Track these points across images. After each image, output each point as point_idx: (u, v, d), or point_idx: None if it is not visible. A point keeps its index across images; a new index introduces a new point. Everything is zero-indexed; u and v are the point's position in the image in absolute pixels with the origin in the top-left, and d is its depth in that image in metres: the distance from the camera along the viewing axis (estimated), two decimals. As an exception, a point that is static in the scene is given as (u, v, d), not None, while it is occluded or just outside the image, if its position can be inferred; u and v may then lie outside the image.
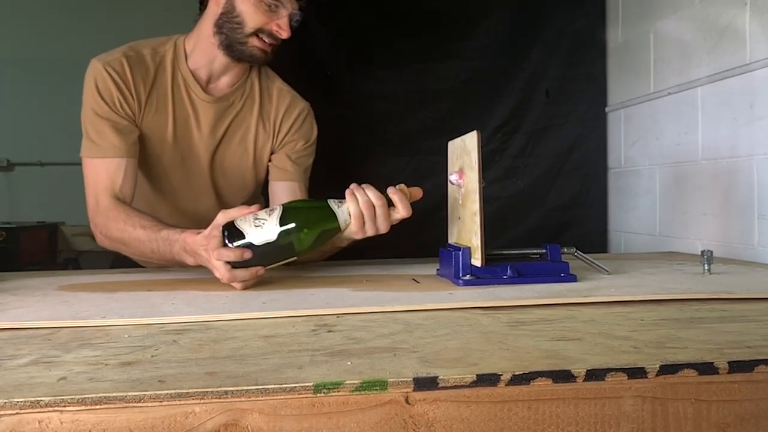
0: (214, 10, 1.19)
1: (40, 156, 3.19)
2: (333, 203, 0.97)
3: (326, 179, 1.87)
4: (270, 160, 1.35)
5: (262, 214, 0.94)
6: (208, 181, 1.32)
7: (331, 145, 1.86)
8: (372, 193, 0.96)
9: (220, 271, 0.92)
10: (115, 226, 1.12)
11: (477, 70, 1.91)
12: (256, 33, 1.17)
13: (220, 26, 1.18)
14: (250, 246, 0.92)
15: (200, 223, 1.19)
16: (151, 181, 1.29)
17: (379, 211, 0.96)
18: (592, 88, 1.93)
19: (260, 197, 1.47)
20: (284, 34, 1.17)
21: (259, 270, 0.93)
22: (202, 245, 0.95)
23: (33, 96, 3.13)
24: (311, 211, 0.98)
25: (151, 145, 1.24)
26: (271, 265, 0.97)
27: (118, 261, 1.39)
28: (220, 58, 1.23)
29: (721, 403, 0.52)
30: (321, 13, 1.87)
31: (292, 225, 0.93)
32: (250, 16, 1.16)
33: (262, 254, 0.93)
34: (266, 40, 1.18)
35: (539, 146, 1.94)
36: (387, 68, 1.89)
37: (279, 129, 1.33)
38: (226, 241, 0.92)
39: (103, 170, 1.15)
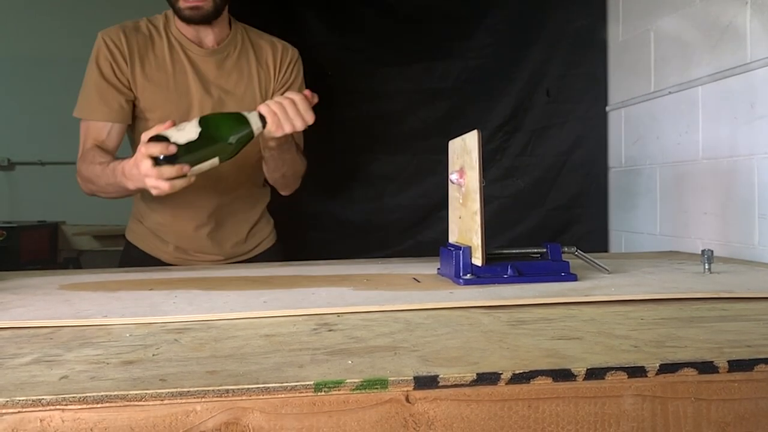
0: None
1: (40, 155, 3.19)
2: (245, 112, 1.11)
3: (327, 179, 1.89)
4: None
5: (184, 123, 1.06)
6: None
7: (332, 144, 1.86)
8: (279, 97, 1.13)
9: (147, 169, 1.02)
10: (85, 166, 1.26)
11: (477, 70, 1.91)
12: None
13: None
14: (175, 145, 1.02)
15: (212, 177, 1.28)
16: None
17: (288, 106, 1.12)
18: (593, 87, 1.93)
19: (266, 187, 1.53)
20: None
21: (184, 167, 1.03)
22: (134, 162, 1.07)
23: (33, 96, 3.13)
24: (228, 116, 1.12)
25: (157, 105, 1.32)
26: (196, 166, 1.06)
27: (126, 255, 1.47)
28: (184, 24, 1.34)
29: (720, 402, 0.52)
30: (321, 12, 1.87)
31: (209, 128, 1.05)
32: None
33: (186, 152, 1.03)
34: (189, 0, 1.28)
35: (540, 145, 1.94)
36: (387, 68, 1.89)
37: (277, 72, 1.43)
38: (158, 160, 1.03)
39: (93, 129, 1.30)
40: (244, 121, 1.10)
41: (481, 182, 0.93)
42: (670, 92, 1.60)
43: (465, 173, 1.00)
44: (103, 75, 1.29)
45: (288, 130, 1.13)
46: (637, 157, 1.79)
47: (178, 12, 1.30)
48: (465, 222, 1.00)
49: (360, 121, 1.89)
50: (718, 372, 0.52)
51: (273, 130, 1.12)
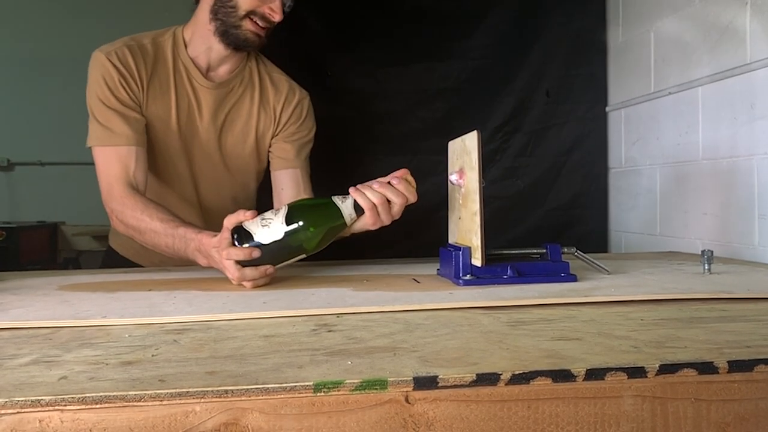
0: None
1: (40, 156, 3.19)
2: (337, 199, 0.99)
3: (327, 179, 1.88)
4: (270, 149, 1.37)
5: (269, 214, 0.97)
6: (211, 168, 1.34)
7: (332, 145, 1.86)
8: (379, 186, 0.98)
9: (230, 270, 0.94)
10: (131, 214, 1.13)
11: (477, 70, 1.91)
12: (249, 16, 1.20)
13: (215, 12, 1.21)
14: (258, 246, 0.94)
15: (204, 212, 1.25)
16: (156, 169, 1.30)
17: (395, 201, 0.99)
18: (593, 87, 1.93)
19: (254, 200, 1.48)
20: (277, 17, 1.20)
21: (269, 269, 0.95)
22: (215, 246, 0.97)
23: (33, 96, 3.13)
24: (316, 208, 1.00)
25: (156, 133, 1.26)
26: (281, 264, 0.99)
27: (108, 259, 1.41)
28: (217, 46, 1.25)
29: (720, 402, 0.52)
30: (321, 12, 1.87)
31: (299, 224, 0.96)
32: (244, 0, 1.19)
33: (270, 253, 0.95)
34: (259, 23, 1.21)
35: (539, 146, 1.94)
36: (387, 68, 1.89)
37: (280, 115, 1.36)
38: (236, 243, 0.95)
39: (115, 158, 1.17)
40: (337, 213, 0.98)
41: (480, 183, 0.93)
42: (670, 93, 1.60)
43: (465, 174, 1.00)
44: (117, 96, 1.19)
45: (386, 222, 1.00)
46: (637, 158, 1.79)
47: (233, 33, 1.21)
48: (465, 223, 1.00)
49: (360, 121, 1.89)
50: (717, 373, 0.52)
51: (369, 224, 0.99)
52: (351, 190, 0.99)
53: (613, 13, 1.90)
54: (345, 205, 0.99)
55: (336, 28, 1.88)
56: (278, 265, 0.98)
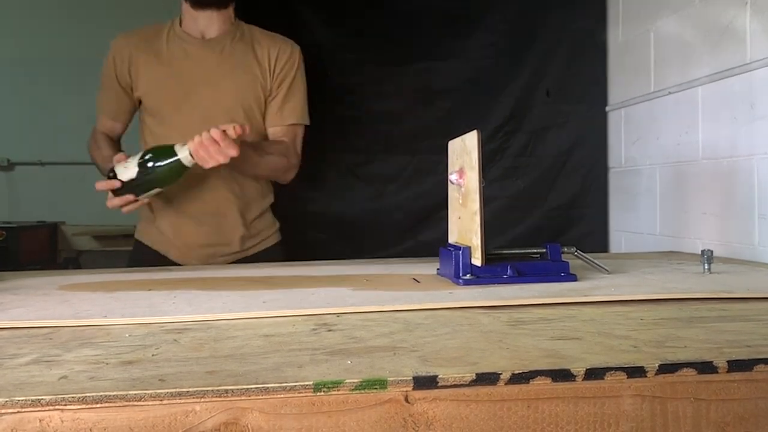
0: None
1: (40, 156, 3.18)
2: (178, 146, 1.24)
3: (327, 179, 1.89)
4: (266, 101, 1.47)
5: (132, 157, 1.26)
6: (211, 114, 1.40)
7: (332, 144, 1.86)
8: (205, 134, 1.20)
9: (108, 201, 1.28)
10: (92, 144, 1.48)
11: (477, 70, 1.91)
12: None
13: None
14: (121, 181, 1.24)
15: (207, 182, 1.43)
16: (162, 123, 1.44)
17: (210, 144, 1.20)
18: (593, 87, 1.93)
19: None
20: None
21: (129, 197, 1.26)
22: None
23: (33, 96, 3.13)
24: (161, 152, 1.25)
25: (155, 94, 1.42)
26: (142, 195, 1.27)
27: (136, 253, 1.54)
28: (196, 13, 1.42)
29: (720, 402, 0.52)
30: (321, 12, 1.87)
31: (147, 165, 1.24)
32: None
33: (130, 188, 1.25)
34: None
35: (539, 146, 1.94)
36: (387, 67, 1.89)
37: (273, 66, 1.46)
38: (108, 178, 1.25)
39: (99, 121, 1.51)
40: (175, 158, 1.23)
41: (480, 182, 0.93)
42: (670, 92, 1.60)
43: (465, 173, 1.00)
44: (109, 76, 1.44)
45: (213, 164, 1.22)
46: (637, 158, 1.79)
47: None
48: (465, 222, 1.00)
49: (360, 121, 1.89)
50: (717, 372, 0.52)
51: (201, 164, 1.23)
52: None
53: (613, 13, 1.90)
54: (182, 150, 1.23)
55: (336, 27, 1.88)
56: (139, 196, 1.27)
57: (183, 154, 1.23)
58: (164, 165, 1.24)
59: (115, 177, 1.25)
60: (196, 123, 1.37)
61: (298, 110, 1.48)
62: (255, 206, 1.51)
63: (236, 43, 1.44)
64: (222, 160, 1.22)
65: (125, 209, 1.28)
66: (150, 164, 1.24)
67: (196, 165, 1.24)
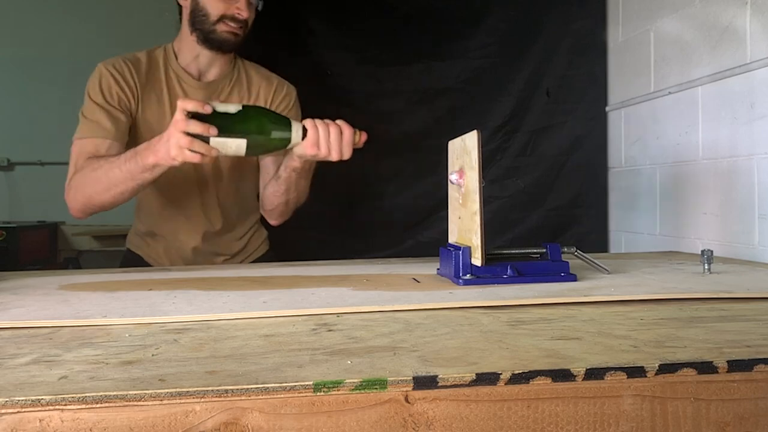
0: (185, 12, 1.35)
1: (40, 156, 3.18)
2: (292, 119, 1.11)
3: (327, 179, 1.89)
4: None
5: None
6: (204, 166, 1.37)
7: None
8: (328, 120, 1.10)
9: (177, 117, 1.02)
10: (89, 169, 1.20)
11: (477, 70, 1.91)
12: (221, 20, 1.30)
13: (193, 23, 1.33)
14: (213, 110, 1.02)
15: (205, 206, 1.35)
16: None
17: (332, 131, 1.09)
18: (593, 87, 1.93)
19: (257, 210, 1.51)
20: (244, 14, 1.30)
21: (212, 128, 1.01)
22: (162, 137, 1.07)
23: (33, 96, 3.13)
24: (271, 112, 1.11)
25: (154, 134, 1.28)
26: (222, 138, 1.03)
27: (126, 261, 1.49)
28: (203, 52, 1.35)
29: (720, 402, 0.52)
30: (321, 12, 1.87)
31: (251, 112, 1.07)
32: (212, 6, 1.30)
33: (217, 120, 1.02)
34: (231, 24, 1.31)
35: (539, 146, 1.94)
36: (387, 67, 1.89)
37: (268, 105, 1.42)
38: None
39: (91, 146, 1.25)
40: (286, 124, 1.09)
41: (480, 182, 0.93)
42: (670, 92, 1.60)
43: (465, 173, 1.00)
44: (107, 99, 1.28)
45: (323, 154, 1.10)
46: (637, 158, 1.79)
47: (212, 37, 1.30)
48: (465, 222, 1.00)
49: (360, 121, 1.89)
50: (717, 372, 0.52)
51: (307, 147, 1.10)
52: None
53: (613, 13, 1.90)
54: (295, 123, 1.10)
55: (336, 28, 1.88)
56: (220, 137, 1.03)
57: (295, 127, 1.09)
58: (272, 123, 1.07)
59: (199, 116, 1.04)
60: (189, 167, 1.33)
61: None
62: (246, 222, 1.51)
63: (233, 85, 1.41)
64: (334, 155, 1.10)
65: (194, 148, 1.02)
66: (257, 113, 1.08)
67: (294, 151, 1.11)
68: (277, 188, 1.33)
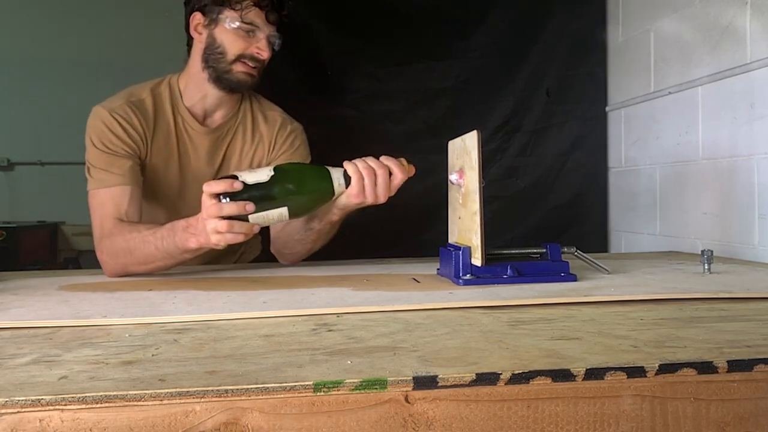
0: (198, 47, 1.26)
1: (40, 156, 3.19)
2: (330, 167, 1.00)
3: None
4: None
5: (259, 168, 0.98)
6: None
7: (332, 144, 1.86)
8: (372, 160, 1.00)
9: (207, 206, 0.94)
10: (120, 239, 1.11)
11: (477, 70, 1.91)
12: (239, 59, 1.23)
13: (206, 60, 1.25)
14: (243, 185, 0.93)
15: (204, 255, 1.21)
16: (155, 209, 1.32)
17: (380, 174, 0.99)
18: (593, 87, 1.93)
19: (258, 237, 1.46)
20: (265, 55, 1.23)
21: (248, 205, 0.93)
22: (200, 215, 0.98)
23: (33, 96, 3.13)
24: (306, 167, 1.04)
25: (159, 182, 1.29)
26: (262, 212, 0.95)
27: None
28: (212, 92, 1.28)
29: (720, 402, 0.52)
30: (321, 12, 1.87)
31: (285, 173, 0.96)
32: (231, 44, 1.22)
33: (251, 194, 0.94)
34: (250, 64, 1.24)
35: (539, 146, 1.94)
36: (387, 67, 1.89)
37: (273, 145, 1.36)
38: (221, 199, 0.94)
39: (109, 198, 1.17)
40: (326, 176, 0.99)
41: (480, 182, 0.93)
42: (670, 92, 1.60)
43: (465, 173, 1.00)
44: (116, 142, 1.19)
45: (369, 201, 1.00)
46: (637, 158, 1.79)
47: (226, 77, 1.23)
48: (465, 222, 1.00)
49: (360, 121, 1.89)
50: (717, 372, 0.52)
51: (352, 196, 1.00)
52: (345, 162, 1.01)
53: (613, 13, 1.90)
54: (336, 171, 0.99)
55: (336, 28, 1.88)
56: (258, 212, 0.94)
57: (336, 176, 0.98)
58: (310, 181, 0.98)
59: (234, 179, 0.95)
60: (194, 213, 1.23)
61: None
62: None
63: (238, 125, 1.34)
64: (381, 199, 0.99)
65: (235, 228, 0.95)
66: (291, 174, 0.97)
67: (337, 203, 1.01)
68: (306, 237, 1.21)
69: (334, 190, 1.00)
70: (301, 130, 1.40)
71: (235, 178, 0.95)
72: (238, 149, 1.35)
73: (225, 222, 0.94)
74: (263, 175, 0.95)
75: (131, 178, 1.18)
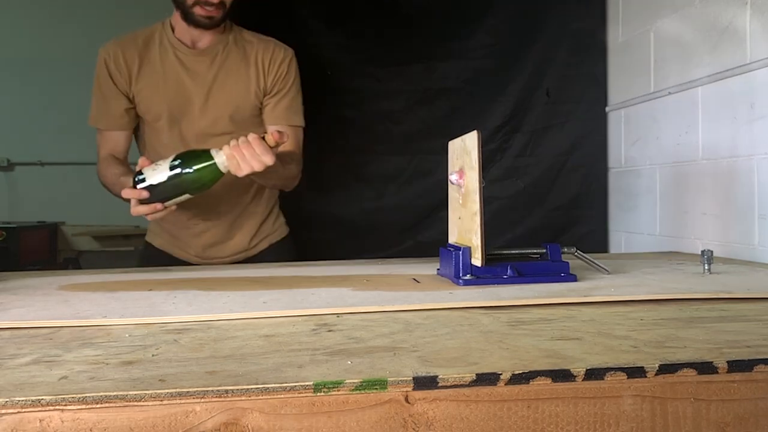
0: None
1: (40, 156, 3.19)
2: (214, 150, 1.17)
3: (327, 179, 1.89)
4: (262, 105, 1.46)
5: (162, 161, 1.19)
6: (206, 126, 1.42)
7: (332, 144, 1.86)
8: (241, 140, 1.15)
9: (132, 208, 1.19)
10: (103, 172, 1.40)
11: (477, 70, 1.91)
12: (196, 3, 1.34)
13: (175, 1, 1.39)
14: (148, 187, 1.17)
15: (213, 190, 1.33)
16: (159, 134, 1.43)
17: (245, 150, 1.14)
18: (593, 87, 1.93)
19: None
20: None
21: (157, 205, 1.18)
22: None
23: (33, 96, 3.13)
24: (195, 156, 1.19)
25: (152, 107, 1.41)
26: (170, 201, 1.19)
27: (145, 252, 1.56)
28: (188, 25, 1.41)
29: (720, 402, 0.52)
30: (321, 12, 1.87)
31: (178, 169, 1.16)
32: None
33: (158, 192, 1.17)
34: (207, 8, 1.35)
35: (539, 146, 1.94)
36: (387, 68, 1.89)
37: (268, 69, 1.45)
38: (136, 186, 1.17)
39: (104, 137, 1.44)
40: (210, 161, 1.17)
41: (480, 183, 0.93)
42: (669, 93, 1.60)
43: (465, 174, 1.00)
44: (102, 87, 1.40)
45: (246, 171, 1.16)
46: (636, 158, 1.79)
47: (190, 17, 1.36)
48: (465, 222, 1.00)
49: (360, 121, 1.89)
50: (717, 372, 0.52)
51: (233, 170, 1.17)
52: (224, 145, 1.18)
53: (613, 13, 1.90)
54: (218, 154, 1.16)
55: (336, 28, 1.88)
56: (167, 202, 1.19)
57: (219, 159, 1.16)
58: (198, 169, 1.17)
59: (142, 181, 1.17)
60: (193, 136, 1.41)
61: (298, 113, 1.48)
62: (264, 208, 1.53)
63: (229, 49, 1.43)
64: (257, 167, 1.15)
65: (151, 217, 1.21)
66: (182, 168, 1.16)
67: (229, 172, 1.18)
68: (259, 182, 1.44)
69: (221, 171, 1.18)
70: (293, 55, 1.49)
71: (142, 177, 1.17)
72: (232, 72, 1.43)
73: (144, 211, 1.19)
74: (163, 175, 1.16)
75: (118, 123, 1.42)
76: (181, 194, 1.19)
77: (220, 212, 1.46)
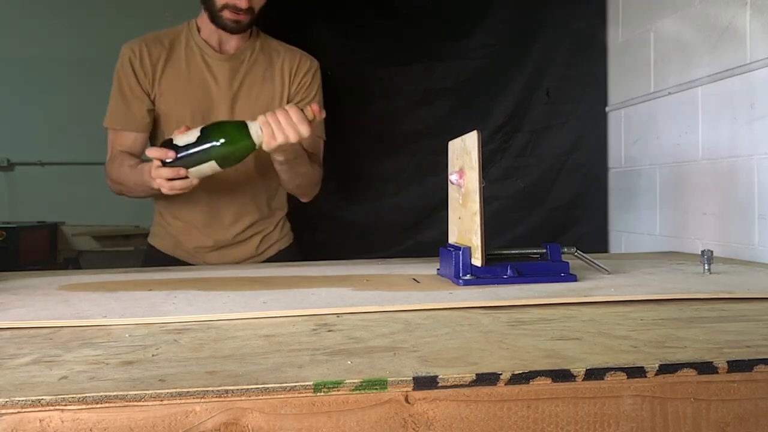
0: None
1: (40, 156, 3.19)
2: (249, 121, 1.14)
3: (327, 178, 1.89)
4: None
5: (194, 129, 1.15)
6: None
7: (332, 144, 1.86)
8: (279, 109, 1.15)
9: (153, 170, 1.15)
10: (115, 168, 1.36)
11: (477, 70, 1.91)
12: (225, 7, 1.33)
13: (204, 3, 1.37)
14: (175, 147, 1.12)
15: (224, 180, 1.36)
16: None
17: (282, 118, 1.13)
18: (593, 87, 1.93)
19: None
20: (243, 5, 1.32)
21: (180, 170, 1.14)
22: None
23: (33, 96, 3.13)
24: (228, 123, 1.17)
25: (175, 107, 1.39)
26: (194, 168, 1.14)
27: (148, 255, 1.53)
28: (215, 28, 1.39)
29: (720, 402, 0.52)
30: (321, 12, 1.87)
31: (210, 132, 1.13)
32: None
33: (184, 155, 1.13)
34: (234, 12, 1.33)
35: (539, 146, 1.94)
36: (388, 68, 1.89)
37: (293, 78, 1.46)
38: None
39: (119, 137, 1.40)
40: (244, 128, 1.13)
41: (480, 183, 0.93)
42: (669, 93, 1.60)
43: (465, 174, 1.00)
44: (124, 86, 1.37)
45: (280, 140, 1.14)
46: (636, 158, 1.79)
47: (218, 20, 1.34)
48: (465, 222, 1.00)
49: (360, 121, 1.89)
50: (717, 372, 0.52)
51: (266, 140, 1.14)
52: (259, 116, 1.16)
53: (613, 13, 1.90)
54: (252, 124, 1.13)
55: (336, 28, 1.88)
56: (191, 169, 1.14)
57: (253, 128, 1.13)
58: (229, 131, 1.13)
59: (169, 141, 1.13)
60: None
61: (320, 124, 1.46)
62: (273, 215, 1.52)
63: (256, 55, 1.43)
64: (292, 137, 1.13)
65: (170, 185, 1.15)
66: (213, 129, 1.13)
67: (260, 151, 1.15)
68: (282, 180, 1.41)
69: (253, 140, 1.14)
70: (318, 66, 1.50)
71: (171, 141, 1.13)
72: (258, 78, 1.43)
73: (167, 182, 1.15)
74: (192, 136, 1.12)
75: (137, 125, 1.38)
76: (207, 161, 1.13)
77: (230, 217, 1.44)
